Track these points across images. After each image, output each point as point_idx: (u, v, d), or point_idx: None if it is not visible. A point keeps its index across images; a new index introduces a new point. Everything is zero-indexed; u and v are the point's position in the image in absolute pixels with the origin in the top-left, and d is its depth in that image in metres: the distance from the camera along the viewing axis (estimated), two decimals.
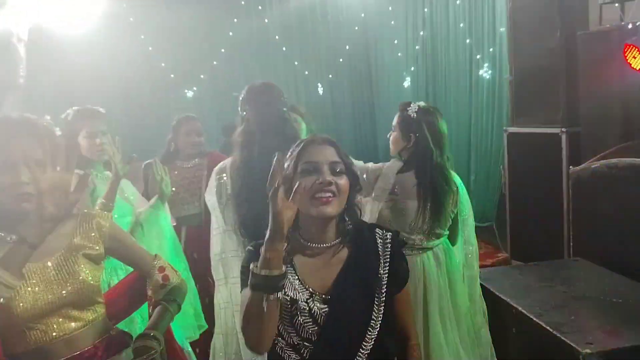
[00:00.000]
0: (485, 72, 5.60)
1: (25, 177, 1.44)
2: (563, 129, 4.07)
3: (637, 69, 3.50)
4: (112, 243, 1.69)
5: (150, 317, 1.75)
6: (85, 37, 5.89)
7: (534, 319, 2.33)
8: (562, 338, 2.13)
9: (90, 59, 6.17)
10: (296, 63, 7.82)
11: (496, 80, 5.42)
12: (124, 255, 1.78)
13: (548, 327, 2.23)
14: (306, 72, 7.89)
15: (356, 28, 8.02)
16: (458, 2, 6.01)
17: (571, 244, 3.40)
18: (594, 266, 2.97)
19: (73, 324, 1.55)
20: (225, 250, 2.36)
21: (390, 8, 7.51)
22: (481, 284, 2.74)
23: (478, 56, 5.68)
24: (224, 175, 2.37)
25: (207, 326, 2.75)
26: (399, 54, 7.43)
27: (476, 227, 5.89)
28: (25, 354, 1.51)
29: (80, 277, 1.56)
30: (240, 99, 2.41)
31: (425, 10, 6.72)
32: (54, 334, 1.53)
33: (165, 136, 3.66)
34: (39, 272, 1.52)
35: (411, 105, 2.64)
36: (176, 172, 3.45)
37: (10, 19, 5.59)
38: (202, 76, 7.32)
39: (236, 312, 2.27)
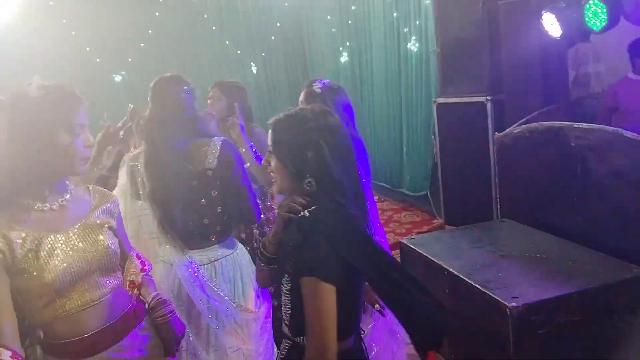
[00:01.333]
0: (412, 45, 5.69)
1: (92, 140, 1.64)
2: (488, 97, 4.22)
3: (555, 36, 3.67)
4: (119, 221, 1.81)
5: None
6: (6, 23, 5.61)
7: (464, 278, 2.42)
8: (490, 294, 2.21)
9: (11, 46, 5.88)
10: (227, 42, 7.71)
11: (423, 52, 5.52)
12: (121, 234, 1.84)
13: (477, 285, 2.31)
14: (238, 52, 7.80)
15: (286, 4, 7.95)
16: None
17: (499, 206, 3.54)
18: (520, 225, 3.11)
19: (99, 291, 1.63)
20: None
21: None
22: (415, 250, 2.83)
23: (405, 29, 5.75)
24: (137, 163, 2.43)
25: None
26: (333, 30, 7.44)
27: (412, 196, 6.10)
28: (57, 321, 1.58)
29: (106, 243, 1.65)
30: (151, 88, 2.43)
31: None
32: (85, 300, 1.59)
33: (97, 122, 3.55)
34: (67, 239, 1.59)
35: (316, 81, 2.69)
36: None
37: None
38: (129, 59, 7.09)
39: None
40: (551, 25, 3.65)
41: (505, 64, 4.09)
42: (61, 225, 1.59)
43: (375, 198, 6.55)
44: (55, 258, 1.54)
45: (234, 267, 2.47)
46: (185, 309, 2.33)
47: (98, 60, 6.86)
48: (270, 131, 1.62)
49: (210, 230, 2.39)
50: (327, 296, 1.41)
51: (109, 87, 6.80)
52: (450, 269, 2.54)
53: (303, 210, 1.53)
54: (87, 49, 6.76)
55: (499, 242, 2.92)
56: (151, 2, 7.11)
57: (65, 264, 1.55)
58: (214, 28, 7.58)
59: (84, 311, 1.59)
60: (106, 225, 1.70)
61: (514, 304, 2.10)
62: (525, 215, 3.15)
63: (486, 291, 2.25)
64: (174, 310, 1.84)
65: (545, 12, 3.65)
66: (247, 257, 2.60)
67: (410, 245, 2.89)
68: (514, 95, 4.01)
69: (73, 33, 6.63)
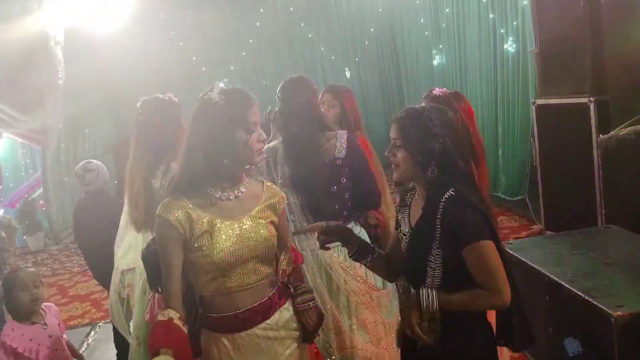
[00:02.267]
0: (510, 46, 5.57)
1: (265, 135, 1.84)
2: (591, 98, 4.06)
3: None
4: (282, 217, 1.99)
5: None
6: (118, 36, 6.11)
7: (566, 285, 2.38)
8: (594, 302, 2.18)
9: (124, 57, 6.39)
10: (322, 49, 7.92)
11: (520, 53, 5.39)
12: (282, 228, 2.02)
13: (580, 293, 2.28)
14: (333, 57, 7.99)
15: (380, 10, 8.04)
16: None
17: (603, 211, 3.43)
18: (625, 232, 3.00)
19: (255, 276, 1.84)
20: None
21: None
22: (513, 254, 2.81)
23: (502, 30, 5.65)
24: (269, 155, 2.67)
25: None
26: (426, 33, 7.43)
27: (508, 200, 5.94)
28: (216, 296, 1.81)
29: (266, 235, 1.85)
30: (280, 88, 2.69)
31: None
32: (243, 282, 1.81)
33: None
34: (236, 227, 1.80)
35: (435, 89, 2.73)
36: None
37: (46, 22, 5.79)
38: (231, 67, 7.49)
39: None
40: None
41: (609, 64, 3.92)
42: (234, 214, 1.82)
43: None
44: (225, 241, 1.77)
45: None
46: (327, 286, 2.57)
47: (203, 68, 7.32)
48: (396, 125, 1.80)
49: (339, 215, 2.58)
50: (495, 252, 1.67)
51: None
52: (552, 276, 2.52)
53: (444, 194, 1.72)
54: (194, 58, 7.24)
55: (603, 249, 2.84)
56: (252, 13, 7.48)
57: (232, 248, 1.77)
58: (310, 35, 7.83)
59: (240, 291, 1.81)
60: (269, 219, 1.89)
61: (619, 313, 2.06)
62: (631, 222, 3.04)
63: (590, 299, 2.22)
64: (314, 298, 2.00)
65: None
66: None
67: (509, 251, 2.84)
68: (619, 96, 3.84)
69: (181, 43, 7.13)
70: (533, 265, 2.69)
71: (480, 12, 6.03)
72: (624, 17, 3.72)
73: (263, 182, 1.98)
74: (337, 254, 2.59)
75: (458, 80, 6.80)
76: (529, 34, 5.07)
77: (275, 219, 1.92)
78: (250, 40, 7.57)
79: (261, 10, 7.56)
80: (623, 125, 3.24)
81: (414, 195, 1.91)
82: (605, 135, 3.29)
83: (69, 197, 7.05)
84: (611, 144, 3.21)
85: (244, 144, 1.78)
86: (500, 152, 6.06)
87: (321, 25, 7.89)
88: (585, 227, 3.64)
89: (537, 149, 4.75)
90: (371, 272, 2.58)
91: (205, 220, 1.76)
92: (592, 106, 4.05)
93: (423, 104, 2.00)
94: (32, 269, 2.84)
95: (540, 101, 4.66)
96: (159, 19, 6.94)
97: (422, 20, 7.46)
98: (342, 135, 2.64)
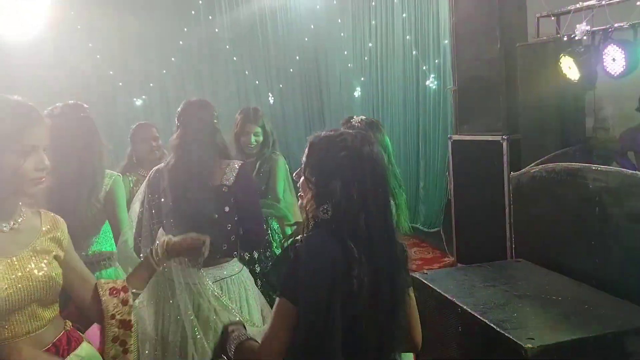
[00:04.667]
0: (431, 83, 5.76)
1: (47, 162, 1.54)
2: (504, 137, 4.25)
3: (573, 79, 3.70)
4: (70, 249, 1.70)
5: None
6: (33, 44, 5.79)
7: (478, 316, 2.39)
8: (506, 334, 2.19)
9: (37, 66, 6.04)
10: (247, 72, 7.85)
11: (441, 90, 5.58)
12: (76, 263, 1.75)
13: (492, 324, 2.29)
14: (257, 82, 7.93)
15: (306, 39, 8.12)
16: (404, 15, 6.17)
17: (513, 245, 3.52)
18: (534, 266, 3.08)
19: (35, 323, 1.55)
20: None
21: (339, 20, 7.65)
22: (427, 285, 2.81)
23: (424, 67, 5.84)
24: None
25: None
26: (349, 65, 7.56)
27: (425, 232, 6.07)
28: None
29: (49, 274, 1.57)
30: (177, 111, 2.59)
31: (373, 22, 6.88)
32: (20, 330, 1.52)
33: (116, 144, 3.64)
34: (10, 265, 1.51)
35: (354, 117, 2.70)
36: (141, 183, 3.42)
37: None
38: (151, 84, 7.24)
39: None
40: (569, 68, 3.68)
41: (522, 104, 4.12)
42: (9, 249, 1.53)
43: None
44: None
45: (239, 288, 2.52)
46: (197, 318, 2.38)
47: (120, 83, 7.02)
48: (307, 147, 1.62)
49: (217, 248, 2.41)
50: (281, 310, 1.53)
51: (129, 110, 6.94)
52: (464, 307, 2.52)
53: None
54: (111, 72, 6.93)
55: (513, 282, 2.88)
56: (176, 31, 7.32)
57: (5, 290, 1.48)
58: (234, 58, 7.74)
59: (16, 340, 1.52)
60: (52, 254, 1.62)
61: (529, 345, 2.07)
62: (540, 256, 3.13)
63: (501, 330, 2.23)
64: None
65: (564, 55, 3.69)
66: (251, 278, 2.65)
67: (423, 280, 2.86)
68: (531, 135, 4.03)
69: (98, 57, 6.82)
70: (447, 295, 2.69)
71: (404, 48, 6.22)
72: (537, 60, 3.92)
73: (40, 212, 1.68)
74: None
75: (379, 112, 6.94)
76: (449, 72, 5.25)
77: (60, 253, 1.64)
78: (173, 59, 7.37)
79: (185, 29, 7.40)
80: (534, 163, 3.36)
81: None
82: (517, 172, 3.40)
83: None
84: (522, 181, 3.31)
85: (14, 170, 1.48)
86: (421, 184, 6.22)
87: (246, 49, 7.84)
88: (496, 260, 3.74)
89: (452, 182, 4.88)
90: (246, 311, 2.47)
91: None
92: (505, 144, 4.22)
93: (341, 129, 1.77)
94: None
95: (456, 137, 4.81)
96: (76, 30, 6.62)
97: (345, 52, 7.60)
98: (237, 164, 2.53)
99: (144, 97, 7.24)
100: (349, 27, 7.48)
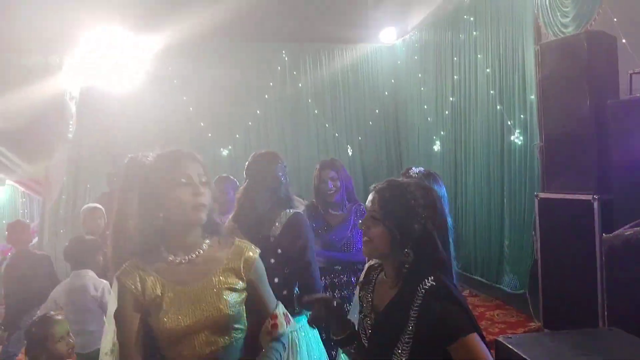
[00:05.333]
0: (517, 138, 5.63)
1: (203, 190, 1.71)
2: (595, 196, 4.05)
3: None
4: (254, 277, 1.83)
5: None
6: (132, 97, 6.28)
7: None
8: None
9: (135, 117, 6.53)
10: (327, 125, 8.05)
11: (527, 146, 5.44)
12: (257, 292, 1.86)
13: None
14: (336, 134, 8.10)
15: (386, 93, 8.29)
16: (488, 70, 6.14)
17: (606, 313, 3.32)
18: (629, 336, 2.89)
19: (209, 348, 1.70)
20: None
21: (419, 75, 7.73)
22: (512, 350, 2.69)
23: (509, 122, 5.73)
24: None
25: None
26: (429, 119, 7.57)
27: (509, 293, 5.80)
28: None
29: (220, 305, 1.71)
30: (246, 163, 2.70)
31: (455, 77, 6.87)
32: (196, 352, 1.69)
33: None
34: (187, 295, 1.70)
35: (412, 168, 2.71)
36: None
37: (65, 79, 5.97)
38: (237, 135, 7.60)
39: None
40: None
41: (615, 163, 3.94)
42: (186, 280, 1.71)
43: (466, 292, 6.37)
44: (172, 309, 1.67)
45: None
46: None
47: (210, 135, 7.42)
48: (374, 196, 1.70)
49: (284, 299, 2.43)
50: (482, 342, 1.57)
51: (216, 159, 7.32)
52: None
53: (422, 282, 1.60)
54: (202, 124, 7.38)
55: (606, 352, 2.71)
56: (262, 86, 7.73)
57: (180, 317, 1.66)
58: (316, 112, 8.00)
59: None
60: (228, 286, 1.74)
61: None
62: (636, 325, 2.93)
63: None
64: None
65: None
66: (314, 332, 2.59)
67: (508, 345, 2.74)
68: (624, 196, 3.83)
69: (191, 109, 7.30)
70: None
71: (488, 103, 6.15)
72: (630, 117, 3.77)
73: (234, 241, 1.84)
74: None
75: (461, 165, 6.84)
76: (535, 128, 5.13)
77: (239, 284, 1.77)
78: (258, 111, 7.75)
79: (271, 84, 7.78)
80: (628, 225, 3.19)
81: (379, 273, 1.79)
82: (610, 235, 3.23)
83: (62, 248, 6.95)
84: (615, 244, 3.15)
85: (175, 200, 1.67)
86: (505, 243, 5.96)
87: (327, 103, 8.08)
88: (585, 328, 3.53)
89: (539, 243, 4.68)
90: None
91: (158, 285, 1.69)
92: (595, 204, 4.03)
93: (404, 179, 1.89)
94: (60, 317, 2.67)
95: (543, 194, 4.65)
96: (172, 85, 7.16)
97: (425, 107, 7.63)
98: (289, 212, 2.55)
99: (230, 147, 7.60)
100: (429, 82, 7.51)
